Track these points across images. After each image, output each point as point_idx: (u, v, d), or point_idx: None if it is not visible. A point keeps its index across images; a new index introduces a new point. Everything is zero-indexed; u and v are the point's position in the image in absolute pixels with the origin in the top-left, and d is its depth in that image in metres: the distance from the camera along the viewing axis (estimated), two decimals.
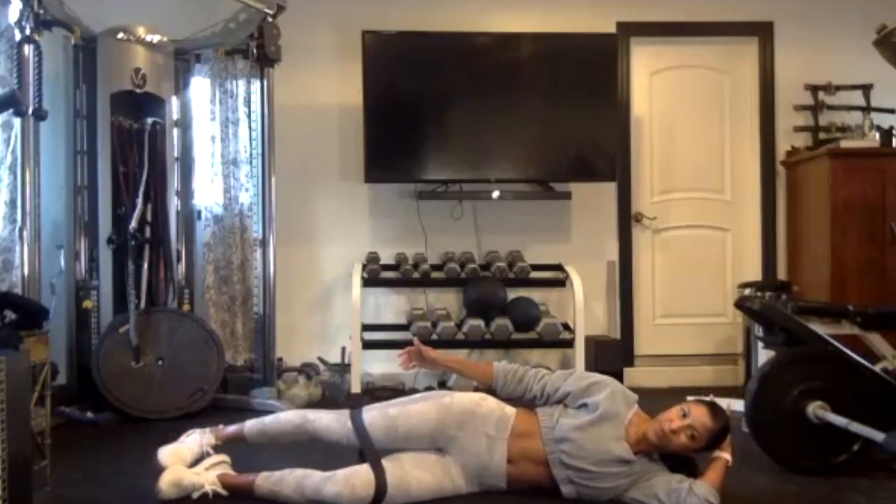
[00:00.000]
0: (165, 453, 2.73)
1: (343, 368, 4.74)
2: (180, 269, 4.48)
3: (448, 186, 5.00)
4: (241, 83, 4.62)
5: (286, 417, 2.87)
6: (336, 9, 5.08)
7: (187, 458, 2.74)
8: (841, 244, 4.66)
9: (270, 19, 4.44)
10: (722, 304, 5.24)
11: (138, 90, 4.27)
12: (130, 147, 4.28)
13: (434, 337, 4.59)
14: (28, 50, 3.95)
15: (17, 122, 3.97)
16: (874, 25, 4.18)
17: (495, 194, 4.99)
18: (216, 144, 4.57)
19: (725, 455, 2.62)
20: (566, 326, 4.79)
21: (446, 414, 2.70)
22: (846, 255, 4.65)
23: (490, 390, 2.89)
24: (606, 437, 2.60)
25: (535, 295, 4.90)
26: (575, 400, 2.71)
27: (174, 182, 4.48)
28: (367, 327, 4.70)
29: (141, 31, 4.29)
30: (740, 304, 3.70)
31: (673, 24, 5.25)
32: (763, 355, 3.88)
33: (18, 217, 3.98)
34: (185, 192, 4.58)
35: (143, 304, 4.14)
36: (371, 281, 4.80)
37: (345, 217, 5.11)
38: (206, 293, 4.52)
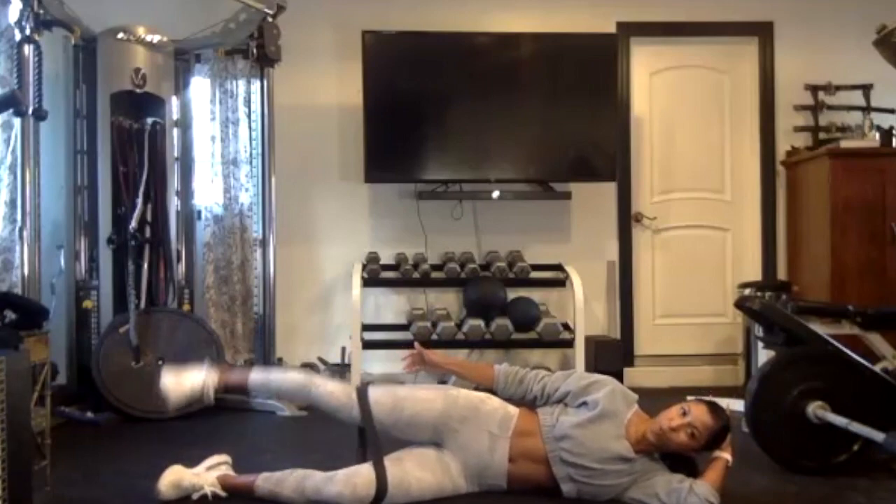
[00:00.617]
0: (168, 378, 2.75)
1: (343, 368, 4.74)
2: (180, 269, 4.48)
3: (448, 186, 5.00)
4: (241, 83, 4.62)
5: (292, 376, 2.87)
6: (336, 9, 5.08)
7: (185, 390, 2.72)
8: (841, 244, 4.66)
9: (270, 19, 4.45)
10: (722, 304, 5.24)
11: (138, 90, 4.27)
12: (130, 147, 4.28)
13: (434, 337, 4.59)
14: (28, 50, 3.96)
15: (17, 122, 3.97)
16: (874, 25, 4.18)
17: (495, 194, 4.99)
18: (216, 144, 4.57)
19: (725, 455, 2.62)
20: (566, 326, 4.78)
21: (452, 406, 2.71)
22: (846, 255, 4.65)
23: (491, 392, 2.89)
24: (606, 434, 2.60)
25: (535, 295, 4.90)
26: (575, 399, 2.71)
27: (174, 182, 4.48)
28: (367, 327, 4.70)
29: (141, 31, 4.29)
30: (740, 304, 3.70)
31: (673, 24, 5.25)
32: (763, 355, 3.88)
33: (18, 217, 3.98)
34: (185, 192, 4.58)
35: (143, 304, 4.14)
36: (371, 281, 4.80)
37: (345, 217, 5.11)
38: (206, 293, 4.52)
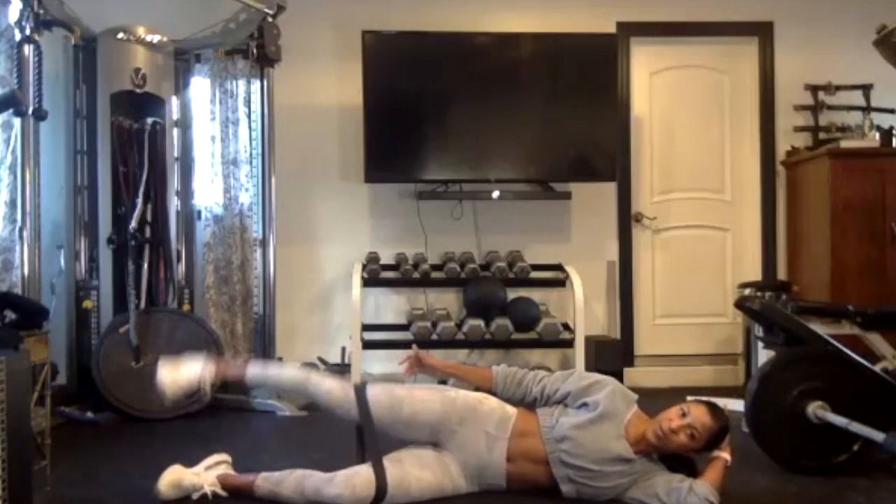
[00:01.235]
0: (165, 371, 2.76)
1: (343, 368, 4.73)
2: (180, 269, 4.49)
3: (448, 186, 5.00)
4: (241, 83, 4.62)
5: (290, 371, 2.88)
6: (336, 9, 5.08)
7: (182, 383, 2.73)
8: (841, 244, 4.66)
9: (270, 19, 4.44)
10: (722, 304, 5.24)
11: (138, 90, 4.27)
12: (130, 147, 4.28)
13: (434, 337, 4.59)
14: (28, 50, 3.95)
15: (17, 122, 3.97)
16: (874, 25, 4.18)
17: (495, 194, 4.99)
18: (216, 144, 4.57)
19: (725, 455, 2.62)
20: (566, 326, 4.78)
21: (450, 407, 2.71)
22: (846, 255, 4.65)
23: (490, 394, 2.89)
24: (606, 435, 2.60)
25: (535, 295, 4.90)
26: (575, 400, 2.71)
27: (174, 182, 4.49)
28: (367, 327, 4.70)
29: (141, 31, 4.29)
30: (740, 304, 3.70)
31: (673, 24, 5.25)
32: (763, 355, 3.88)
33: (18, 217, 3.98)
34: (185, 192, 4.58)
35: (143, 304, 4.14)
36: (371, 281, 4.80)
37: (345, 217, 5.11)
38: (206, 293, 4.52)
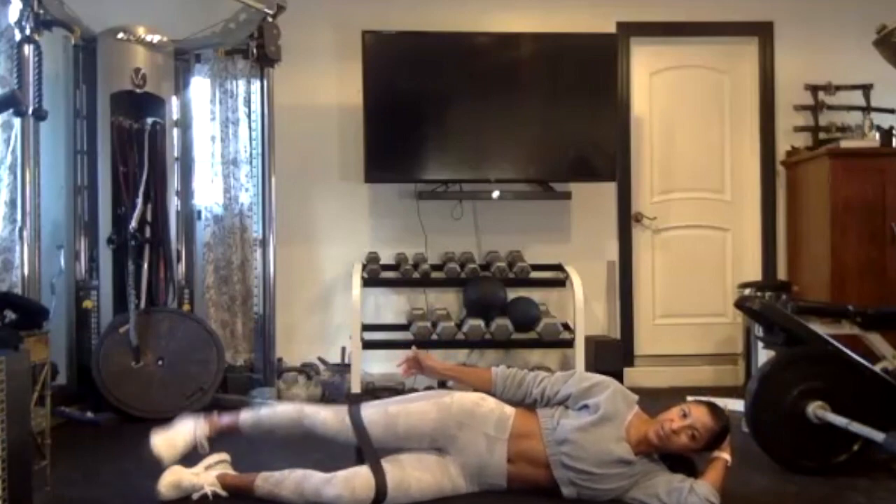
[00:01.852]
0: (158, 440, 2.70)
1: (343, 368, 4.73)
2: (180, 269, 4.48)
3: (448, 186, 5.00)
4: (241, 83, 4.62)
5: (283, 410, 2.84)
6: (336, 9, 5.08)
7: (179, 447, 2.70)
8: (841, 244, 4.66)
9: (270, 19, 4.45)
10: (722, 304, 5.24)
11: (138, 90, 4.27)
12: (130, 147, 4.28)
13: (434, 337, 4.59)
14: (28, 50, 3.96)
15: (17, 122, 3.98)
16: (874, 25, 4.18)
17: (495, 194, 4.99)
18: (216, 144, 4.57)
19: (725, 455, 2.62)
20: (566, 326, 4.78)
21: (446, 413, 2.70)
22: (846, 255, 4.65)
23: (490, 395, 2.88)
24: (607, 437, 2.60)
25: (535, 295, 4.90)
26: (576, 402, 2.70)
27: (174, 182, 4.48)
28: (367, 327, 4.70)
29: (141, 31, 4.29)
30: (740, 304, 3.69)
31: (673, 24, 5.25)
32: (763, 355, 3.88)
33: (18, 217, 3.98)
34: (185, 192, 4.58)
35: (143, 304, 4.14)
36: (371, 281, 4.80)
37: (345, 217, 5.11)
38: (206, 293, 4.52)
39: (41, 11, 4.02)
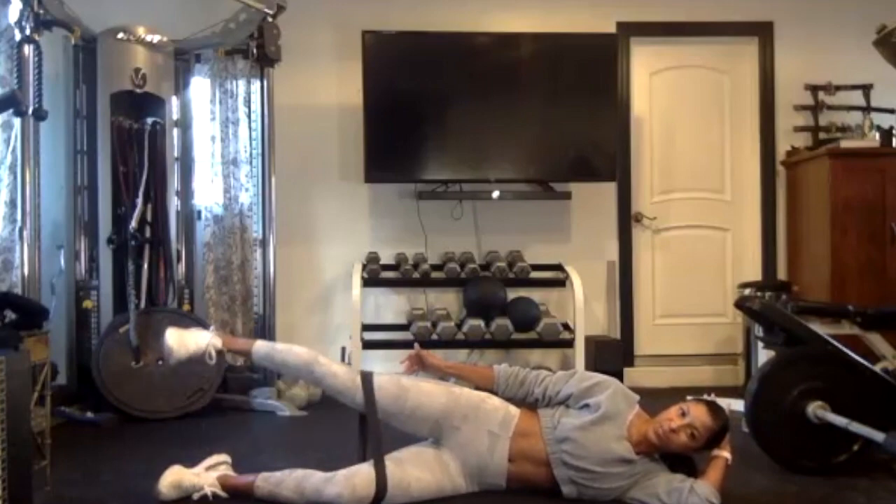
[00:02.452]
0: (172, 335, 2.76)
1: None
2: (180, 269, 4.48)
3: (448, 186, 5.00)
4: (241, 83, 4.62)
5: (297, 352, 2.82)
6: (336, 9, 5.08)
7: (190, 347, 2.74)
8: (841, 244, 4.66)
9: (270, 19, 4.45)
10: (722, 304, 5.24)
11: (138, 90, 4.27)
12: (130, 147, 4.28)
13: (434, 337, 4.59)
14: (28, 50, 3.96)
15: (17, 122, 3.97)
16: (874, 25, 4.18)
17: (495, 194, 4.99)
18: (216, 144, 4.57)
19: (725, 453, 2.62)
20: (566, 326, 4.78)
21: (454, 403, 2.71)
22: (846, 255, 4.65)
23: (491, 394, 2.89)
24: (608, 436, 2.60)
25: (535, 295, 4.90)
26: (577, 401, 2.71)
27: (174, 182, 4.48)
28: (367, 327, 4.70)
29: (141, 31, 4.29)
30: (740, 304, 3.69)
31: (673, 24, 5.25)
32: (763, 355, 3.88)
33: (18, 217, 3.98)
34: (185, 192, 4.58)
35: (143, 304, 4.14)
36: (371, 281, 4.80)
37: (345, 217, 5.11)
38: (206, 293, 4.52)
39: (41, 11, 4.01)
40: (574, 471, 2.60)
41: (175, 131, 4.49)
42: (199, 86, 4.66)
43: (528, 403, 2.80)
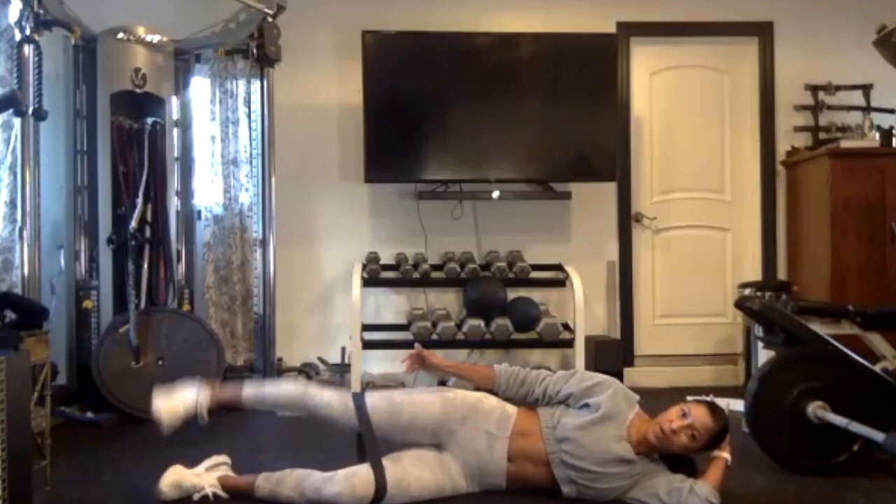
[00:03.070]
0: (161, 403, 2.72)
1: (343, 368, 4.74)
2: (180, 269, 4.48)
3: (448, 186, 5.00)
4: (241, 83, 4.62)
5: (286, 388, 2.85)
6: (336, 9, 5.08)
7: (179, 413, 2.71)
8: (841, 244, 4.66)
9: (270, 19, 4.45)
10: (722, 304, 5.24)
11: (138, 90, 4.27)
12: (130, 147, 4.28)
13: (434, 337, 4.58)
14: (28, 50, 3.96)
15: (17, 122, 3.97)
16: (874, 25, 4.19)
17: (495, 194, 4.99)
18: (216, 144, 4.57)
19: (725, 454, 2.62)
20: (566, 326, 4.78)
21: (450, 407, 2.71)
22: (846, 255, 4.65)
23: (492, 393, 2.89)
24: (608, 436, 2.60)
25: (535, 295, 4.90)
26: (577, 400, 2.71)
27: (174, 182, 4.48)
28: (367, 327, 4.70)
29: (141, 31, 4.29)
30: (740, 304, 3.70)
31: (673, 24, 5.25)
32: (763, 355, 3.88)
33: (18, 217, 3.98)
34: (185, 192, 4.58)
35: (143, 304, 4.14)
36: (371, 281, 4.80)
37: (345, 217, 5.11)
38: (206, 293, 4.52)
39: (41, 11, 4.02)
40: (574, 471, 2.60)
41: (175, 131, 4.49)
42: (199, 86, 4.66)
43: (529, 403, 2.80)
